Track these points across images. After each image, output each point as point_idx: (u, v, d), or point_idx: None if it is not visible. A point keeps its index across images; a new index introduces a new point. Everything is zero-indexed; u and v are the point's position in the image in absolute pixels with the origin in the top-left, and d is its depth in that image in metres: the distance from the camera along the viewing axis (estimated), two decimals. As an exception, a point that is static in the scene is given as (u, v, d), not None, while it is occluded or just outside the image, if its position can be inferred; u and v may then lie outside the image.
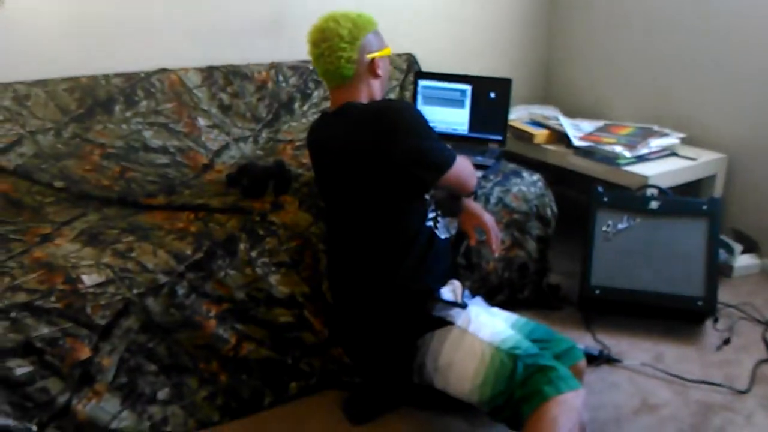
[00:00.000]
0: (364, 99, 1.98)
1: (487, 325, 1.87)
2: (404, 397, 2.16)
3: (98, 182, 2.38)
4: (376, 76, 2.00)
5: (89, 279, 1.84)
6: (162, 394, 1.97)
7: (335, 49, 1.91)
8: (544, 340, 1.95)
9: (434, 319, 1.90)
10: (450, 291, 1.99)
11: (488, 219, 2.14)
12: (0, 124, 2.36)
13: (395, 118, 1.85)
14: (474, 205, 2.17)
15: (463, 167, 2.02)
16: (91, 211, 2.20)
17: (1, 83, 2.40)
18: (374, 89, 2.02)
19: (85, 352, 1.81)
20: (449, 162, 1.92)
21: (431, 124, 1.93)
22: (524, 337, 1.88)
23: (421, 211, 1.98)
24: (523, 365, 1.74)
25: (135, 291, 1.88)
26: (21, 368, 1.74)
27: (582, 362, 2.00)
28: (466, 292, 2.04)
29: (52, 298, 1.78)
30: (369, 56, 1.96)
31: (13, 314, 1.73)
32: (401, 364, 1.93)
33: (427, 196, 2.00)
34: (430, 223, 2.00)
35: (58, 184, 2.31)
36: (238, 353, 2.07)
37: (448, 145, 1.97)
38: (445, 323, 1.88)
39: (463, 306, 1.92)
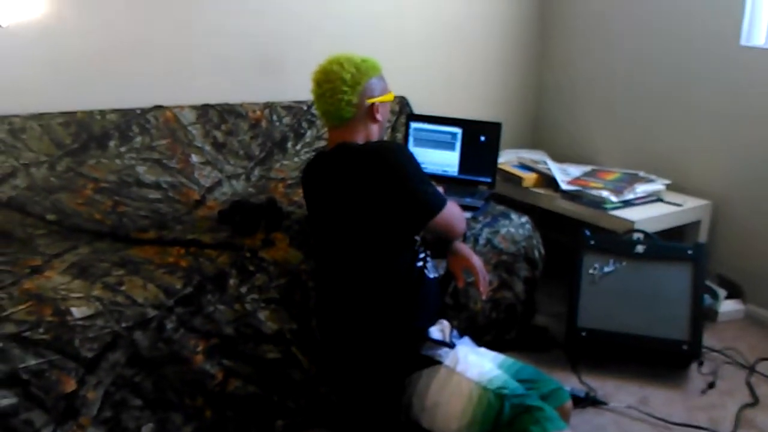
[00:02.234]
0: (360, 140, 2.02)
1: (475, 365, 1.88)
2: None
3: (90, 216, 2.39)
4: (374, 120, 2.03)
5: (78, 311, 1.84)
6: (146, 429, 1.95)
7: (336, 91, 1.95)
8: (530, 381, 1.96)
9: (422, 358, 1.91)
10: (438, 330, 1.99)
11: (476, 261, 2.15)
12: (-6, 156, 2.38)
13: (388, 159, 1.89)
14: (462, 247, 2.19)
15: (453, 212, 2.04)
16: (82, 245, 2.21)
17: (-3, 116, 2.43)
18: (372, 132, 2.05)
19: (70, 385, 1.80)
20: (439, 206, 1.95)
21: (422, 166, 1.96)
22: (511, 377, 1.89)
23: (411, 252, 1.99)
24: (510, 405, 1.74)
25: (123, 324, 1.88)
26: (5, 399, 1.72)
27: (568, 403, 2.00)
28: (455, 332, 2.05)
29: (41, 330, 1.78)
30: (369, 101, 2.00)
31: (0, 345, 1.72)
32: (388, 402, 1.93)
33: (417, 237, 2.03)
34: (419, 263, 2.01)
35: (50, 216, 2.32)
36: (225, 389, 2.06)
37: (440, 189, 2.00)
38: (433, 362, 1.89)
39: (452, 345, 1.93)
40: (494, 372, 1.88)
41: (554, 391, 1.97)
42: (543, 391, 1.93)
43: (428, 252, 2.08)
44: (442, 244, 2.19)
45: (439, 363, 1.88)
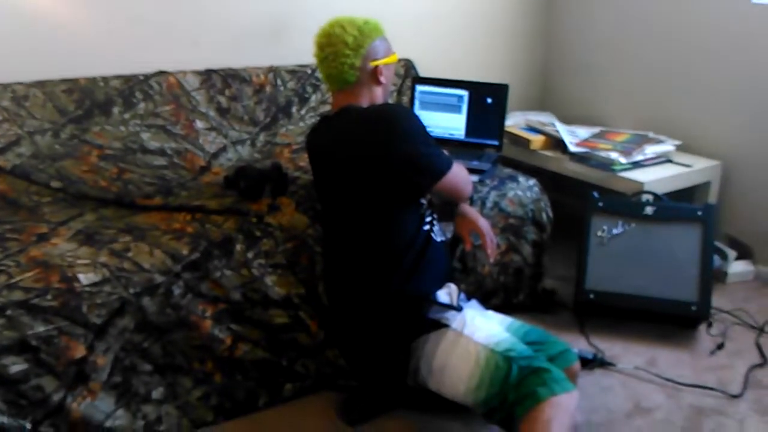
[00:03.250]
0: (365, 103, 2.00)
1: (482, 328, 1.88)
2: (399, 399, 2.16)
3: (95, 183, 2.39)
4: (378, 82, 2.02)
5: (85, 278, 1.84)
6: (156, 393, 1.97)
7: (339, 55, 1.93)
8: (538, 343, 1.96)
9: (429, 322, 1.91)
10: (446, 294, 2.00)
11: (483, 224, 2.14)
12: (-2, 124, 2.37)
13: (393, 122, 1.87)
14: (470, 210, 2.18)
15: (459, 175, 2.03)
16: (87, 211, 2.21)
17: (0, 84, 2.41)
18: (376, 95, 2.03)
19: (80, 351, 1.81)
20: (445, 168, 1.94)
21: (428, 129, 1.94)
22: (519, 340, 1.89)
23: (417, 215, 1.99)
24: (517, 367, 1.75)
25: (131, 290, 1.89)
26: (16, 366, 1.74)
27: (576, 365, 2.01)
28: (462, 295, 2.05)
29: (48, 297, 1.78)
30: (372, 64, 1.98)
31: (8, 312, 1.73)
32: (396, 366, 1.94)
33: (423, 201, 2.02)
34: (426, 227, 2.01)
35: (55, 184, 2.32)
36: (234, 354, 2.07)
37: (445, 152, 1.98)
38: (441, 326, 1.89)
39: (459, 309, 1.93)
40: (502, 335, 1.88)
41: (562, 353, 1.98)
42: (551, 353, 1.94)
43: (435, 215, 2.07)
44: (449, 207, 2.18)
45: (447, 326, 1.88)
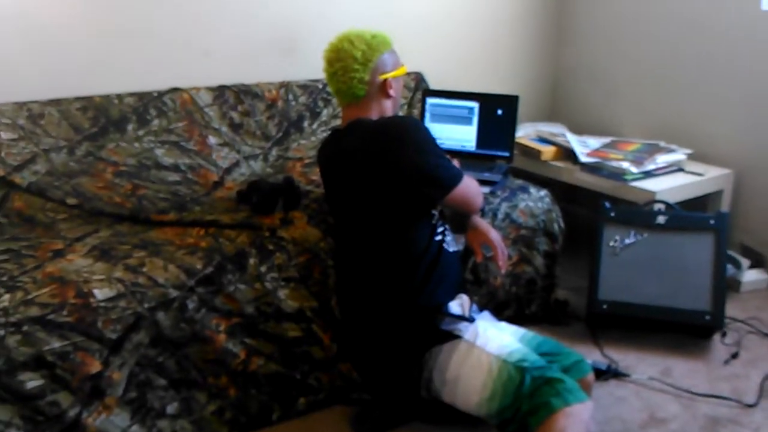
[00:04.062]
0: (374, 117, 2.01)
1: (495, 339, 1.89)
2: (412, 412, 2.16)
3: (110, 199, 2.42)
4: (387, 95, 2.03)
5: (101, 293, 1.86)
6: (171, 408, 1.99)
7: (348, 70, 1.95)
8: (552, 354, 1.96)
9: (442, 333, 1.92)
10: (458, 305, 2.00)
11: (495, 236, 2.15)
12: (14, 142, 2.41)
13: (403, 134, 1.88)
14: (481, 222, 2.19)
15: (470, 186, 2.04)
16: (103, 228, 2.23)
17: (16, 102, 2.45)
18: (385, 108, 2.05)
19: (95, 366, 1.83)
20: (456, 180, 1.95)
21: (439, 142, 1.95)
22: (532, 351, 1.89)
23: (429, 226, 2.00)
24: (530, 378, 1.75)
25: (146, 305, 1.91)
26: (32, 381, 1.75)
27: (590, 376, 2.01)
28: (474, 306, 2.06)
29: (64, 312, 1.80)
30: (381, 77, 1.99)
31: (25, 328, 1.75)
32: (409, 378, 1.94)
33: (434, 212, 2.03)
34: (438, 237, 2.01)
35: (70, 201, 2.35)
36: (247, 368, 2.09)
37: (456, 163, 1.99)
38: (453, 337, 1.90)
39: (471, 320, 1.94)
40: (514, 345, 1.88)
41: (576, 364, 1.98)
42: (564, 364, 1.94)
43: (447, 226, 2.08)
44: (461, 218, 2.19)
45: (459, 337, 1.89)
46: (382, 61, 1.99)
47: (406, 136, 1.88)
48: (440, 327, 1.93)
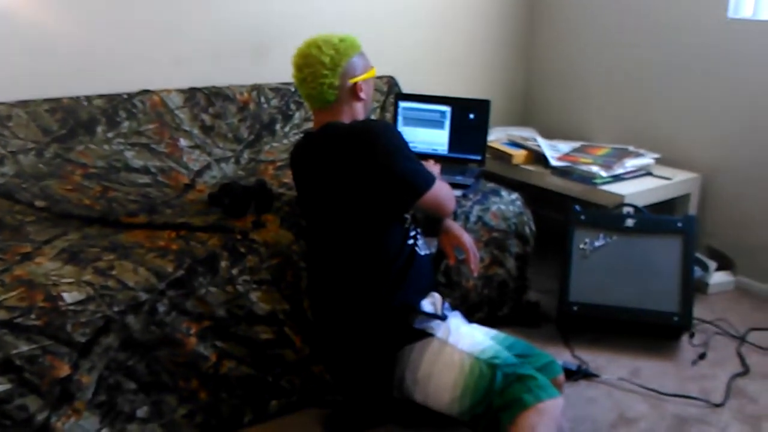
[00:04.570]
0: (346, 120, 2.01)
1: (467, 336, 1.90)
2: (385, 413, 2.16)
3: (80, 201, 2.39)
4: (358, 98, 2.03)
5: (70, 296, 1.84)
6: (141, 412, 1.97)
7: (317, 75, 1.94)
8: (523, 356, 1.97)
9: (414, 331, 1.92)
10: (430, 303, 2.01)
11: (467, 239, 2.16)
12: (-19, 144, 2.37)
13: (374, 137, 1.89)
14: (453, 225, 2.20)
15: (442, 190, 2.04)
16: (72, 230, 2.20)
17: (-18, 104, 2.42)
18: (357, 111, 2.04)
19: (64, 370, 1.81)
20: (427, 184, 1.95)
21: (411, 145, 1.96)
22: (504, 349, 1.90)
23: (402, 230, 2.00)
24: (502, 374, 1.76)
25: (115, 308, 1.88)
26: (0, 386, 1.73)
27: (561, 377, 2.02)
28: (446, 305, 2.06)
29: (32, 316, 1.78)
30: (351, 81, 1.99)
31: (-8, 332, 1.73)
32: (381, 377, 1.94)
33: (407, 216, 2.03)
34: (411, 241, 2.02)
35: (39, 203, 2.31)
36: (219, 371, 2.07)
37: (433, 167, 2.00)
38: (425, 335, 1.90)
39: (443, 318, 1.95)
40: (486, 342, 1.90)
41: (547, 365, 1.99)
42: (536, 365, 1.95)
43: (419, 230, 2.09)
44: (433, 222, 2.19)
45: (431, 335, 1.89)
46: (351, 64, 1.99)
47: (377, 141, 1.88)
48: (412, 325, 1.94)
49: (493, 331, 2.04)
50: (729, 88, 2.99)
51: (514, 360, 1.82)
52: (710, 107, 3.08)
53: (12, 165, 2.40)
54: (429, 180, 1.96)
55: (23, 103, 2.49)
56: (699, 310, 2.79)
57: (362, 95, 2.03)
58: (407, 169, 1.91)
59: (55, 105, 2.53)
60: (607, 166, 2.94)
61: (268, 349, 2.15)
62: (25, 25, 2.49)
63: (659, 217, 2.84)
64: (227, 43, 2.93)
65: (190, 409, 2.05)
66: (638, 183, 2.95)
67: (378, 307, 1.95)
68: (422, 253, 2.07)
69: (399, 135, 1.94)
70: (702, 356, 2.55)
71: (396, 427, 2.15)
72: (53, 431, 1.80)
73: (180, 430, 2.03)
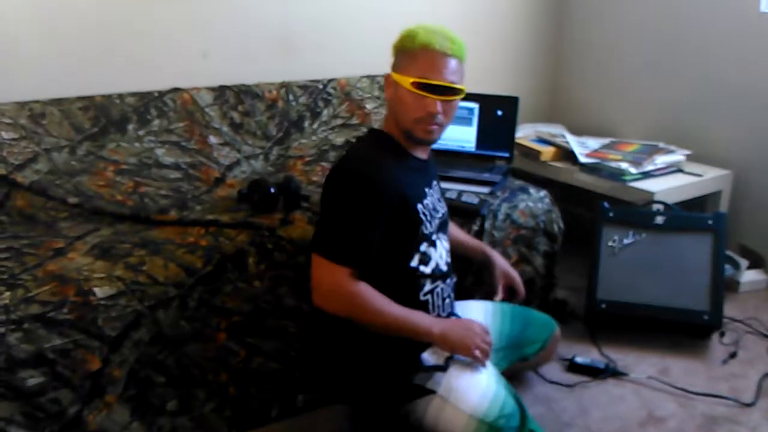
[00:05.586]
0: (388, 119, 1.91)
1: (469, 392, 1.76)
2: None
3: (112, 197, 2.43)
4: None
5: (101, 291, 1.87)
6: (171, 405, 1.99)
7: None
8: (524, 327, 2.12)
9: (415, 388, 1.79)
10: (431, 352, 1.82)
11: (519, 280, 2.21)
12: (16, 141, 2.42)
13: (327, 183, 1.80)
14: (507, 265, 2.21)
15: (319, 266, 1.75)
16: (104, 227, 2.24)
17: (17, 102, 2.46)
18: (390, 110, 1.89)
19: (95, 364, 1.84)
20: (318, 246, 1.76)
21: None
22: (509, 393, 1.80)
23: (411, 281, 1.85)
24: None
25: (146, 303, 1.91)
26: (33, 379, 1.76)
27: (557, 333, 2.27)
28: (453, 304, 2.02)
29: (65, 310, 1.81)
30: (391, 73, 1.83)
31: (26, 325, 1.76)
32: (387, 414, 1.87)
33: (423, 268, 1.87)
34: (426, 297, 1.88)
35: (72, 200, 2.35)
36: (248, 366, 2.10)
37: (363, 243, 1.74)
38: (426, 392, 1.77)
39: (444, 369, 1.79)
40: (490, 394, 1.77)
41: (545, 324, 2.21)
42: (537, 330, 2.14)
43: (445, 284, 1.95)
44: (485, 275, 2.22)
45: (433, 392, 1.77)
46: (397, 53, 1.85)
47: (327, 186, 1.80)
48: (414, 381, 1.78)
49: (490, 306, 2.12)
50: (762, 83, 2.95)
51: (517, 420, 1.74)
52: (742, 103, 3.04)
53: (46, 162, 2.44)
54: (330, 250, 1.73)
55: (57, 102, 2.53)
56: (730, 309, 2.76)
57: (386, 93, 1.88)
58: (325, 221, 1.79)
59: (88, 103, 2.57)
60: (636, 163, 2.92)
61: (295, 344, 2.17)
62: (57, 25, 2.54)
63: (689, 214, 2.81)
64: (256, 41, 2.95)
65: (219, 403, 2.07)
66: (668, 180, 2.92)
67: (376, 355, 1.81)
68: (444, 314, 1.94)
69: (346, 188, 1.75)
70: (732, 355, 2.52)
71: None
72: (85, 424, 1.84)
73: (209, 423, 2.06)
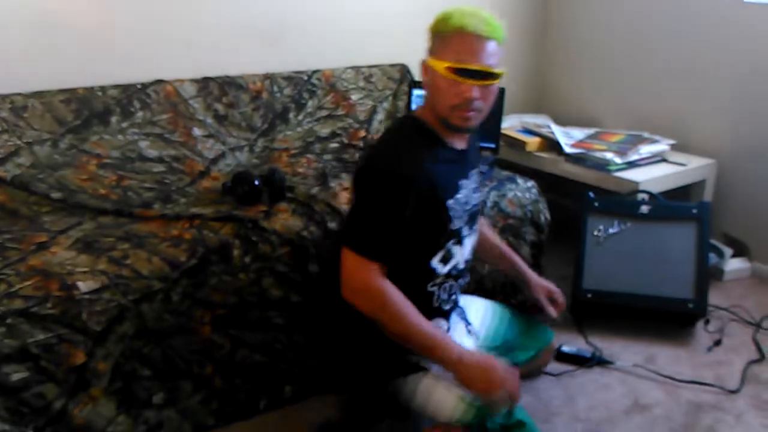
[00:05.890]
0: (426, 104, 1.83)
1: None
2: (383, 408, 2.01)
3: (95, 191, 2.41)
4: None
5: (85, 285, 1.86)
6: (157, 398, 1.99)
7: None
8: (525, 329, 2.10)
9: (409, 364, 1.79)
10: None
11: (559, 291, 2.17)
12: (-3, 135, 2.40)
13: (359, 171, 1.75)
14: (538, 278, 2.17)
15: (348, 261, 1.70)
16: (86, 220, 2.22)
17: (-2, 95, 2.44)
18: (427, 100, 1.81)
19: (80, 358, 1.83)
20: (349, 240, 1.71)
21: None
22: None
23: (421, 278, 1.82)
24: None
25: (130, 297, 1.90)
26: (17, 374, 1.75)
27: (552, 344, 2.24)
28: (459, 310, 2.01)
29: (48, 305, 1.80)
30: (427, 58, 1.75)
31: (9, 320, 1.74)
32: (377, 393, 1.89)
33: (437, 269, 1.84)
34: (433, 288, 1.85)
35: (54, 194, 2.33)
36: (233, 358, 2.09)
37: (391, 240, 1.69)
38: (419, 368, 1.78)
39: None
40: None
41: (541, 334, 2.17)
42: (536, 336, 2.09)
43: (456, 283, 1.91)
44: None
45: (426, 369, 1.78)
46: (434, 37, 1.76)
47: (357, 176, 1.74)
48: (408, 358, 1.79)
49: (491, 306, 2.10)
50: (745, 73, 2.96)
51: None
52: (726, 93, 3.05)
53: (28, 156, 2.42)
54: (359, 243, 1.69)
55: (39, 94, 2.50)
56: (714, 297, 2.78)
57: (423, 78, 1.78)
58: (355, 214, 1.74)
59: (69, 95, 2.55)
60: (621, 153, 2.93)
61: (281, 336, 2.16)
62: (39, 18, 2.51)
63: (674, 203, 2.82)
64: (240, 32, 2.93)
65: (205, 395, 2.07)
66: (653, 169, 2.93)
67: (374, 333, 1.78)
68: (446, 307, 1.91)
69: (375, 184, 1.70)
70: (717, 343, 2.54)
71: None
72: (71, 418, 1.83)
73: (196, 416, 2.05)
